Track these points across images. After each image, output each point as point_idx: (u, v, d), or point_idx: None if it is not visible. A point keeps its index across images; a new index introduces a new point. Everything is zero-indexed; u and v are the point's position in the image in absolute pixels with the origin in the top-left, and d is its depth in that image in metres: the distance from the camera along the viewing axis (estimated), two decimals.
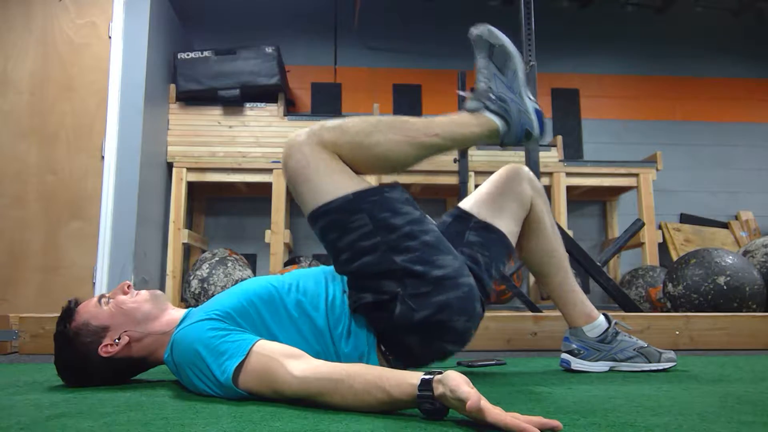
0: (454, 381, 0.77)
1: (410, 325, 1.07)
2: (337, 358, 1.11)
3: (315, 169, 1.08)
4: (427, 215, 1.18)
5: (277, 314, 1.11)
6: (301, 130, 1.11)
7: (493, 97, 1.25)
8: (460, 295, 1.09)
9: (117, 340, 1.14)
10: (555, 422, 0.73)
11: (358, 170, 1.14)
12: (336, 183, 1.09)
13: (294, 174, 1.10)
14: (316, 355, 1.08)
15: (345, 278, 1.17)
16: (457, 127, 1.22)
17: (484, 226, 1.29)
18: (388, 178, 3.00)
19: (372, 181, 2.31)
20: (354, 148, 1.11)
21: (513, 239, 1.33)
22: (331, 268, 1.22)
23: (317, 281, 1.17)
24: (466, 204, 1.35)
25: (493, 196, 1.34)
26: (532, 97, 1.29)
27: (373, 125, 1.13)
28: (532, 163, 2.40)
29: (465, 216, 1.31)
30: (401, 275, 1.07)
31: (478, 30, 1.28)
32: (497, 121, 1.24)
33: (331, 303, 1.13)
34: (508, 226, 1.31)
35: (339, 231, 1.09)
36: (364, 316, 1.12)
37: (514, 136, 1.26)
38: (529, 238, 1.41)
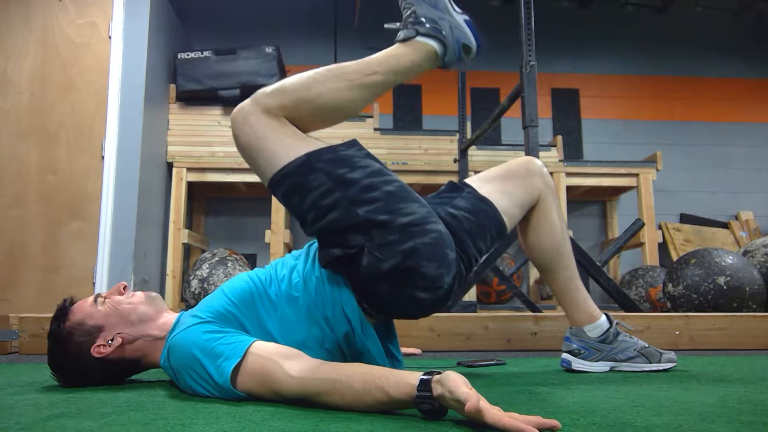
0: (453, 382, 0.77)
1: (379, 274, 1.06)
2: (330, 329, 1.10)
3: (264, 137, 1.08)
4: (388, 168, 1.16)
5: (264, 306, 1.11)
6: (243, 102, 1.10)
7: (422, 20, 1.22)
8: (427, 241, 1.07)
9: (110, 341, 1.14)
10: (553, 422, 0.73)
11: (309, 128, 1.13)
12: (288, 147, 1.08)
13: (246, 147, 1.09)
14: (309, 335, 1.09)
15: (312, 251, 1.17)
16: (395, 59, 1.20)
17: (477, 196, 1.27)
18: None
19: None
20: (298, 106, 1.10)
21: (509, 220, 1.30)
22: (299, 250, 1.22)
23: (289, 265, 1.17)
24: (468, 179, 1.34)
25: (498, 177, 1.33)
26: (458, 10, 1.26)
27: (311, 78, 1.12)
28: None
29: (461, 185, 1.30)
30: (366, 227, 1.06)
31: None
32: (433, 43, 1.22)
33: (305, 277, 1.13)
34: (506, 206, 1.28)
35: (299, 193, 1.08)
36: (335, 270, 1.11)
37: (452, 53, 1.24)
38: (536, 233, 1.40)
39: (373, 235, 1.06)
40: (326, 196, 1.06)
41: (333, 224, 1.07)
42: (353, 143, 1.15)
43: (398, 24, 1.25)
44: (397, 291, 1.09)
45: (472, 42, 1.25)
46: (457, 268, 1.14)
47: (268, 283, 1.14)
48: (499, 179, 1.33)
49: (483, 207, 1.25)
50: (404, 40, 1.22)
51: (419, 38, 1.22)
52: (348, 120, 2.05)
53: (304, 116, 1.11)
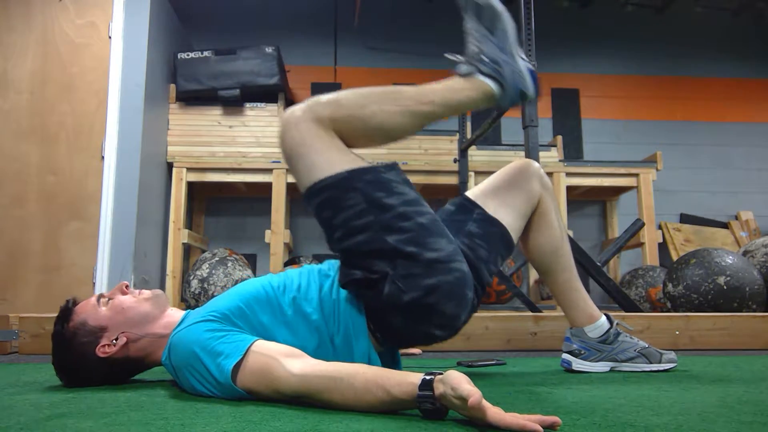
0: (456, 379, 0.78)
1: (398, 305, 1.06)
2: (333, 350, 1.10)
3: (311, 146, 1.08)
4: (423, 198, 1.16)
5: (274, 315, 1.11)
6: (296, 106, 1.10)
7: (485, 59, 1.22)
8: (450, 280, 1.08)
9: (114, 341, 1.14)
10: (554, 418, 0.73)
11: (354, 144, 1.13)
12: (331, 160, 1.08)
13: (290, 151, 1.09)
14: (314, 351, 1.08)
15: (334, 272, 1.17)
16: (452, 93, 1.20)
17: (488, 218, 1.27)
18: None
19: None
20: (350, 122, 1.10)
21: (515, 234, 1.31)
22: (322, 265, 1.22)
23: (310, 278, 1.17)
24: (471, 193, 1.34)
25: (501, 189, 1.33)
26: (523, 57, 1.26)
27: (367, 97, 1.12)
28: None
29: (469, 205, 1.30)
30: (393, 255, 1.06)
31: None
32: (491, 84, 1.22)
33: (322, 298, 1.13)
34: (512, 221, 1.30)
35: (333, 208, 1.08)
36: (353, 293, 1.11)
37: (509, 97, 1.24)
38: (535, 235, 1.40)
39: (398, 265, 1.06)
40: (359, 217, 1.06)
41: (360, 246, 1.07)
42: (393, 166, 1.14)
43: (460, 57, 1.25)
44: (412, 325, 1.10)
45: (531, 91, 1.26)
46: (472, 305, 1.15)
47: (282, 291, 1.14)
48: (502, 191, 1.33)
49: (494, 230, 1.26)
50: (465, 75, 1.22)
51: (479, 76, 1.22)
52: None
53: (353, 132, 1.11)
